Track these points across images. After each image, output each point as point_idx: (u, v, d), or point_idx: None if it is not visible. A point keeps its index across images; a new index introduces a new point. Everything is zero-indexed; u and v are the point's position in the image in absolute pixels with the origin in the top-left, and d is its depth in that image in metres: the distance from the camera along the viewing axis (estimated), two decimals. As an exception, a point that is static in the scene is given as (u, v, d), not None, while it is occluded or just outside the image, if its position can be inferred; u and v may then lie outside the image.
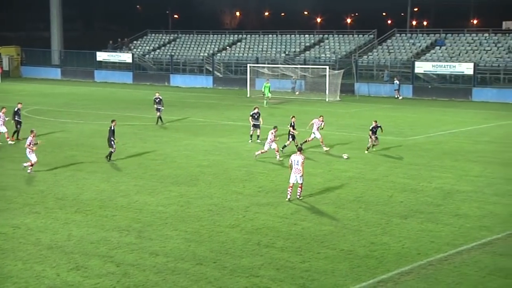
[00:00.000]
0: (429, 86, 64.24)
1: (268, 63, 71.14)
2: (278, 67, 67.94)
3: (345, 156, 31.53)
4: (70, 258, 17.66)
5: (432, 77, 65.86)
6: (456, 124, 43.73)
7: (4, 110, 35.43)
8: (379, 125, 32.87)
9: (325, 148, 33.10)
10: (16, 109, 36.21)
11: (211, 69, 75.92)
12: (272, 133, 30.37)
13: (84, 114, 47.21)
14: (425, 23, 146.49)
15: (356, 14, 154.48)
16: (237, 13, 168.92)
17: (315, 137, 33.29)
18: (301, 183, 23.52)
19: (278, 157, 30.50)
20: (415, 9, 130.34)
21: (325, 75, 60.64)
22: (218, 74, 75.55)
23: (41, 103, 54.36)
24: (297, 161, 23.35)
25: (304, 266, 17.18)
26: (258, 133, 35.54)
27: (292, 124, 32.37)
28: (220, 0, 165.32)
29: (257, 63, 70.31)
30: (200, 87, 73.28)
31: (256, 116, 35.51)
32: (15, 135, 35.77)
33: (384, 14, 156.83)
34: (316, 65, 68.76)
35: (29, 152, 27.74)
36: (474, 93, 60.68)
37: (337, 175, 27.84)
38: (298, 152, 23.73)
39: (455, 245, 18.93)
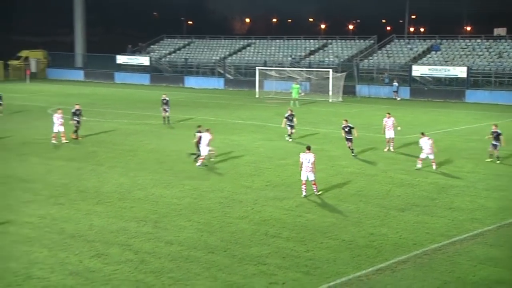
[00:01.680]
0: (425, 88, 64.01)
1: (276, 66, 71.01)
2: (285, 70, 67.82)
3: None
4: (92, 246, 17.73)
5: (428, 80, 65.63)
6: (450, 124, 43.59)
7: (60, 111, 34.34)
8: (499, 131, 29.27)
9: (386, 149, 31.90)
10: (74, 110, 35.56)
11: (222, 72, 75.93)
12: (431, 142, 27.93)
13: (104, 113, 47.29)
14: (422, 29, 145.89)
15: (358, 21, 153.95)
16: (247, 20, 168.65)
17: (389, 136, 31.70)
18: (313, 180, 23.26)
19: (434, 166, 28.02)
20: (413, 17, 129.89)
21: (329, 77, 60.57)
22: (229, 76, 75.54)
23: (65, 103, 54.37)
24: (308, 160, 23.01)
25: (308, 255, 17.18)
26: (292, 132, 35.25)
27: (343, 127, 31.06)
28: (231, 7, 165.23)
29: (265, 66, 70.18)
30: (212, 88, 73.27)
31: (290, 118, 35.21)
32: (75, 133, 35.15)
33: (383, 21, 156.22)
34: (320, 68, 68.56)
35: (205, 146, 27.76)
36: (467, 94, 60.48)
37: (339, 171, 27.80)
38: (308, 151, 23.28)
39: (449, 236, 18.89)
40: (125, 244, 17.89)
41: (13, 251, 17.27)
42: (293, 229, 19.48)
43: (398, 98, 61.61)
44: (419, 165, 28.13)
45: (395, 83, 62.61)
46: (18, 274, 15.77)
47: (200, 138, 28.29)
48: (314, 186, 23.35)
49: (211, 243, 18.09)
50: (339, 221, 20.37)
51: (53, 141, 33.73)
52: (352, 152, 31.00)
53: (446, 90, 62.52)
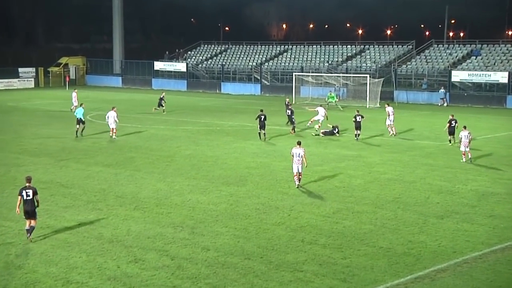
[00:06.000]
0: (465, 94, 63.12)
1: (312, 72, 70.88)
2: (321, 75, 67.68)
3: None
4: (129, 251, 17.90)
5: (468, 85, 64.72)
6: (490, 130, 42.89)
7: None
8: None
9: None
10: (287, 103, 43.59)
11: (259, 78, 76.08)
12: (467, 136, 30.55)
13: (142, 119, 47.74)
14: (461, 34, 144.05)
15: (396, 25, 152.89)
16: (284, 25, 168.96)
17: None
18: (301, 172, 25.08)
19: (464, 158, 30.93)
20: (452, 21, 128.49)
21: (366, 83, 60.18)
22: (266, 82, 75.64)
23: (103, 109, 55.06)
24: (299, 154, 24.82)
25: (345, 262, 17.07)
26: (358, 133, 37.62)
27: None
28: (268, 13, 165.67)
29: (302, 72, 70.14)
30: (249, 94, 73.46)
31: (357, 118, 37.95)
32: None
33: (422, 26, 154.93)
34: (357, 73, 68.22)
35: None
36: (509, 100, 59.46)
37: (376, 177, 27.58)
38: (298, 146, 25.11)
39: (490, 244, 18.58)
40: (162, 250, 18.02)
41: (52, 256, 17.53)
42: (330, 235, 19.38)
43: (445, 105, 60.60)
44: (464, 159, 30.77)
45: (442, 90, 61.68)
46: (57, 278, 15.99)
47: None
48: (299, 177, 25.13)
49: (248, 249, 18.10)
50: (377, 228, 20.20)
51: None
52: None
53: (487, 96, 61.56)
